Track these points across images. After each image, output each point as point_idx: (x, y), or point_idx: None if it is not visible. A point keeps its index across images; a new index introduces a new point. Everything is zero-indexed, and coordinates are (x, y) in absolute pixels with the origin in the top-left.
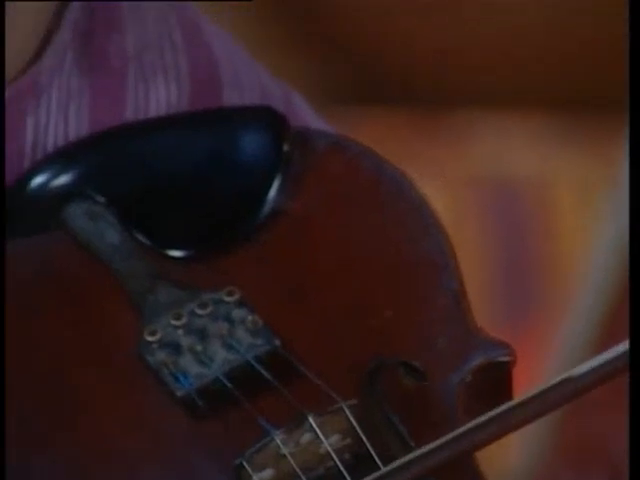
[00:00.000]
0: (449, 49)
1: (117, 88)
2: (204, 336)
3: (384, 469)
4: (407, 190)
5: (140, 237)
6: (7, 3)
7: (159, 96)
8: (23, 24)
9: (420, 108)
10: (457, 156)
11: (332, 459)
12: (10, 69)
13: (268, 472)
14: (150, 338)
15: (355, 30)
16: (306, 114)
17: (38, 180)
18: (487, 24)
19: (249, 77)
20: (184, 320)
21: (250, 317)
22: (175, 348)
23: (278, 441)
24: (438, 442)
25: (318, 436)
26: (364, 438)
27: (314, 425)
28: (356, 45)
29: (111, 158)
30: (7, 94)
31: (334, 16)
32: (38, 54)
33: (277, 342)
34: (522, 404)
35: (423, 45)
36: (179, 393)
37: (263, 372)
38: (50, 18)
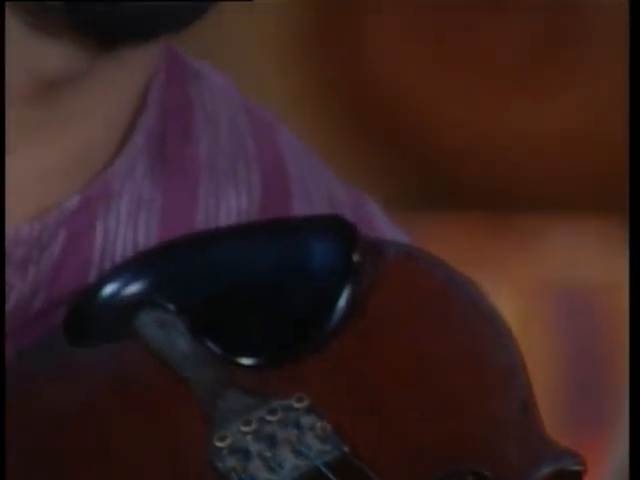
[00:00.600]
0: (521, 155)
1: (189, 196)
2: (273, 442)
3: None
4: (478, 300)
5: (210, 345)
6: (79, 113)
7: (230, 205)
8: (97, 130)
9: (491, 212)
10: (527, 261)
11: None
12: (81, 176)
13: None
14: (220, 444)
15: (423, 135)
16: (378, 220)
17: (109, 289)
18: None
19: (319, 185)
20: (254, 426)
21: (319, 423)
22: (244, 454)
23: None
24: None
25: None
26: None
27: None
28: (425, 150)
29: (181, 267)
30: (77, 200)
31: (403, 120)
32: (110, 160)
33: (346, 448)
34: None
35: (495, 150)
36: None
37: (332, 478)
38: (124, 124)
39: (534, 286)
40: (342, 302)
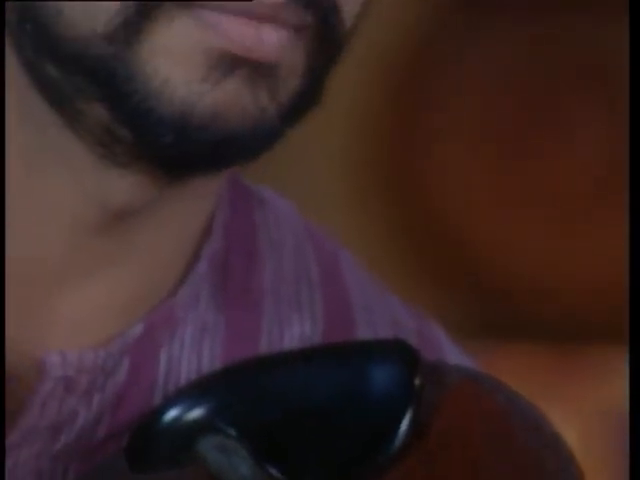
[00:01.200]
0: (586, 284)
1: (252, 324)
2: None
3: None
4: (540, 423)
5: (272, 471)
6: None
7: (293, 333)
8: (162, 259)
9: (555, 341)
10: (591, 391)
11: None
12: (145, 304)
13: None
14: None
15: (487, 265)
16: (442, 344)
17: (171, 414)
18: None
19: (382, 311)
20: None
21: None
22: None
23: None
24: None
25: None
26: None
27: None
28: (489, 280)
29: (243, 391)
30: (141, 329)
31: (467, 251)
32: (174, 287)
33: None
34: None
35: (559, 279)
36: None
37: None
38: (189, 251)
39: (596, 411)
40: (404, 426)
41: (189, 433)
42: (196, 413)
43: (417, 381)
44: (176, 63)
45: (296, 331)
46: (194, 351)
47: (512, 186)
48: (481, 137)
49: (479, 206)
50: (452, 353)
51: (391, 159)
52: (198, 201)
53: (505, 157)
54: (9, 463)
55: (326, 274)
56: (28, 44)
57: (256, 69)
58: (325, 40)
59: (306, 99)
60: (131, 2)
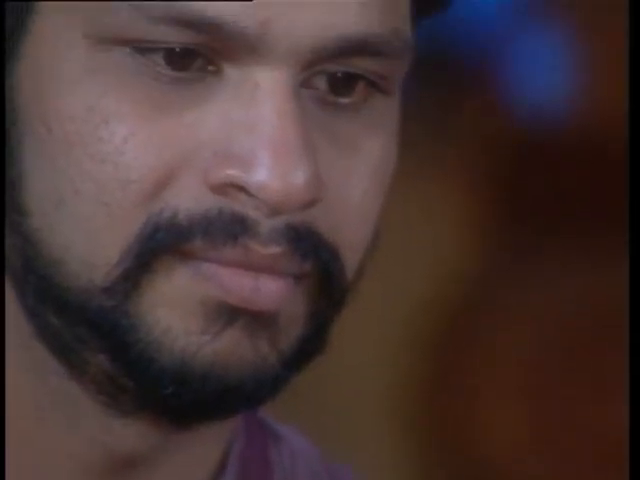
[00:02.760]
0: None
1: None
2: None
3: None
4: None
5: None
6: None
7: None
8: None
9: None
10: None
11: None
12: None
13: None
14: None
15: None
16: None
17: None
18: None
19: None
20: None
21: None
22: None
23: None
24: None
25: None
26: None
27: None
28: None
29: None
30: None
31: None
32: None
33: None
34: None
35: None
36: None
37: None
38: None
39: None
40: None
41: None
42: None
43: None
44: (176, 314)
45: None
46: None
47: (554, 437)
48: (521, 394)
49: (522, 454)
50: None
51: (427, 400)
52: (209, 444)
53: (547, 412)
54: None
55: None
56: (31, 293)
57: (255, 319)
58: (327, 287)
59: (309, 346)
60: (130, 255)
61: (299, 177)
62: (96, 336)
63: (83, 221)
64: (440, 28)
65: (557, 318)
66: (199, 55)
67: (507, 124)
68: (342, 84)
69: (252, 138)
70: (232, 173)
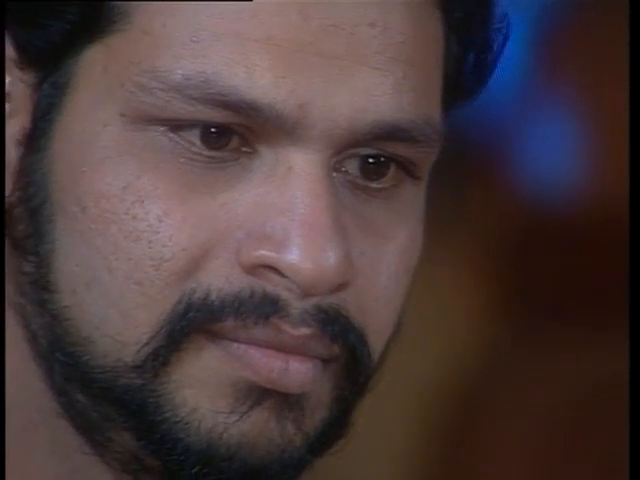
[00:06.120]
0: None
1: None
2: None
3: None
4: None
5: None
6: None
7: None
8: None
9: None
10: None
11: None
12: None
13: None
14: None
15: None
16: None
17: None
18: None
19: None
20: None
21: None
22: None
23: None
24: None
25: None
26: None
27: None
28: None
29: None
30: None
31: None
32: None
33: None
34: None
35: None
36: None
37: None
38: None
39: None
40: None
41: None
42: None
43: None
44: (204, 394)
45: None
46: None
47: None
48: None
49: None
50: None
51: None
52: None
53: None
54: None
55: None
56: (58, 371)
57: (283, 400)
58: (353, 371)
59: (333, 430)
60: (161, 333)
61: (330, 259)
62: (122, 414)
63: (115, 299)
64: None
65: (561, 399)
66: (235, 134)
67: (517, 206)
68: (373, 168)
69: (285, 220)
70: (265, 254)
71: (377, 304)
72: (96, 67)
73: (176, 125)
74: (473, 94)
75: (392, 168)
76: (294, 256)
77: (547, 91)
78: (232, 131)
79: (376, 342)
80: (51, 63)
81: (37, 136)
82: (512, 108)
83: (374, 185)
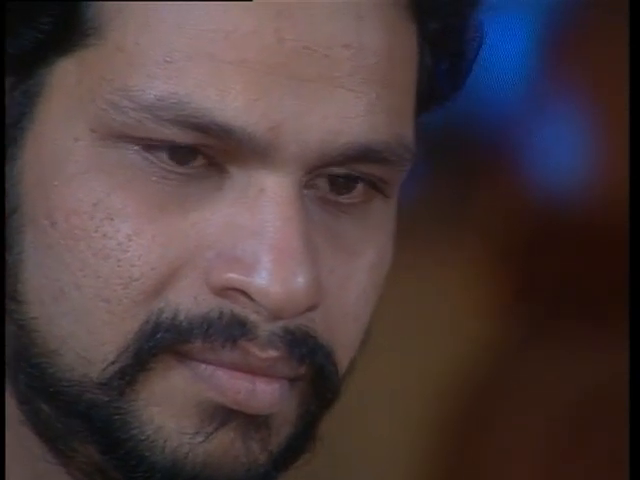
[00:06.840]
0: None
1: None
2: None
3: None
4: None
5: None
6: None
7: None
8: None
9: None
10: None
11: None
12: None
13: None
14: None
15: None
16: None
17: None
18: None
19: None
20: None
21: None
22: None
23: None
24: None
25: None
26: None
27: None
28: None
29: None
30: None
31: None
32: None
33: None
34: None
35: None
36: None
37: None
38: None
39: None
40: None
41: None
42: None
43: None
44: (170, 413)
45: None
46: None
47: None
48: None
49: None
50: None
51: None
52: None
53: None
54: None
55: None
56: (23, 381)
57: (250, 421)
58: (320, 389)
59: (298, 444)
60: (128, 352)
61: (300, 283)
62: (87, 428)
63: (82, 315)
64: (454, 110)
65: (563, 398)
66: (201, 154)
67: (523, 207)
68: (343, 183)
69: (255, 243)
70: (234, 277)
71: (345, 320)
72: (69, 79)
73: (147, 145)
74: (446, 100)
75: (360, 184)
76: (263, 280)
77: (553, 91)
78: (198, 151)
79: (343, 357)
80: (24, 70)
81: (8, 144)
82: (518, 109)
83: (344, 200)
